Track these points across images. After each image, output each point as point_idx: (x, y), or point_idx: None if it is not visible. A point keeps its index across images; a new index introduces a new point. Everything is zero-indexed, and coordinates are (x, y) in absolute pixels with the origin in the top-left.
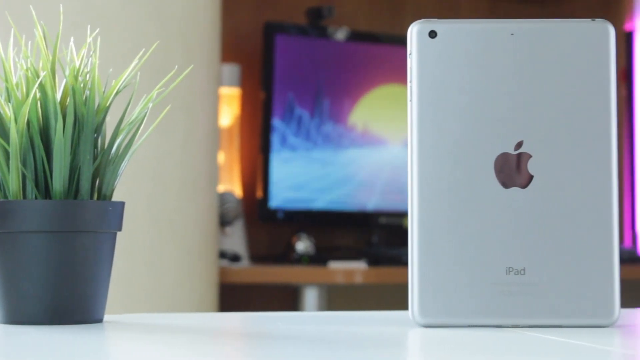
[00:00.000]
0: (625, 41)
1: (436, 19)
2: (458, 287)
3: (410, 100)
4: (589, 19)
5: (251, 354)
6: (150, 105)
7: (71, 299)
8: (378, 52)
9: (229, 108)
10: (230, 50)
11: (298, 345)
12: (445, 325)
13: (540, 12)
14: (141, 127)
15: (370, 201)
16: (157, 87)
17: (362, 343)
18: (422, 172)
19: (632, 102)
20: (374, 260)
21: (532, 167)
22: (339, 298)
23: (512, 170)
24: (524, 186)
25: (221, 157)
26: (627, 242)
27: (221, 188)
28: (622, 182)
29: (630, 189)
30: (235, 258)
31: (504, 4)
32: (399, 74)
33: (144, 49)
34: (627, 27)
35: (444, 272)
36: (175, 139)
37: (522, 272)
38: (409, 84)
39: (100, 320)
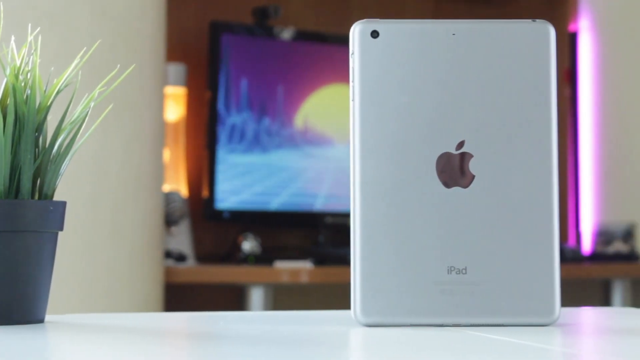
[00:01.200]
0: (569, 42)
1: (378, 19)
2: (400, 287)
3: (353, 100)
4: (530, 20)
5: (194, 354)
6: (92, 104)
7: (12, 299)
8: (324, 51)
9: (175, 107)
10: (176, 49)
11: (240, 345)
12: (387, 325)
13: (485, 12)
14: (83, 126)
15: (317, 201)
16: (99, 86)
17: (304, 343)
18: (364, 171)
19: (576, 102)
20: (320, 260)
21: (473, 167)
22: (284, 298)
23: (454, 170)
24: (466, 186)
25: (167, 156)
26: (572, 242)
27: (167, 187)
28: (566, 181)
29: (575, 188)
30: (180, 258)
31: (449, 4)
32: (345, 74)
33: (85, 48)
34: (571, 28)
35: (386, 271)
36: (120, 138)
37: (464, 271)
38: (351, 83)
39: (41, 321)
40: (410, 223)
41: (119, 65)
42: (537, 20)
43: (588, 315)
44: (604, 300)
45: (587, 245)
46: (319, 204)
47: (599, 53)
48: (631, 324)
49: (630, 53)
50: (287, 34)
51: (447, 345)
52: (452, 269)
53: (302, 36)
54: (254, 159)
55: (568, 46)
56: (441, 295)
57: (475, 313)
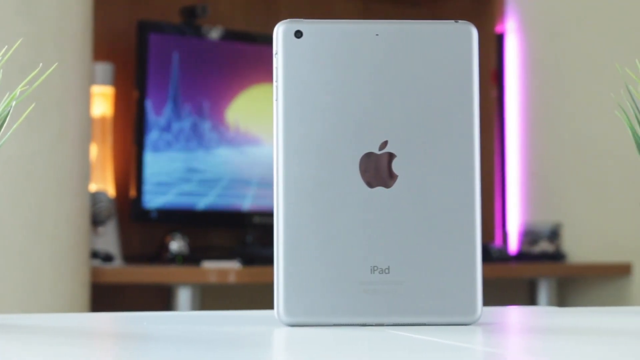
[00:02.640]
0: (496, 43)
1: (302, 19)
2: (323, 286)
3: (276, 100)
4: (453, 21)
5: (114, 354)
6: (14, 103)
7: None
8: (252, 51)
9: (103, 107)
10: (104, 48)
11: (161, 345)
12: (310, 324)
13: (413, 13)
14: (4, 126)
15: (245, 201)
16: (21, 85)
17: (226, 343)
18: (288, 171)
19: (503, 103)
20: (248, 260)
21: (396, 167)
22: (212, 298)
23: (377, 170)
24: (389, 186)
25: (94, 156)
26: (498, 241)
27: (94, 187)
28: (493, 182)
29: (501, 188)
30: (107, 258)
31: (378, 5)
32: None
33: (6, 46)
34: (498, 29)
35: (309, 271)
36: (46, 137)
37: (387, 270)
38: (274, 83)
39: None
40: (334, 223)
41: (41, 64)
42: (459, 21)
43: (512, 314)
44: (530, 299)
45: (513, 245)
46: (247, 204)
47: (526, 54)
48: (554, 322)
49: (555, 54)
50: (215, 33)
51: (369, 344)
52: (375, 268)
53: (231, 36)
54: (182, 158)
55: (495, 47)
56: (364, 295)
57: (398, 312)
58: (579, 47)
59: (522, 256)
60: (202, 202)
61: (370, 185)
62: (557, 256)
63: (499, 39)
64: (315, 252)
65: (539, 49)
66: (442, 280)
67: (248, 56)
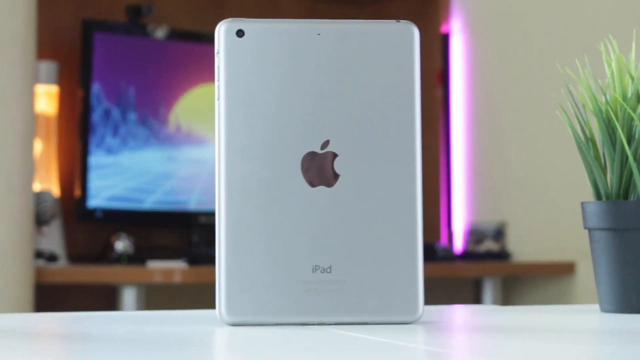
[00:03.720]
0: (441, 43)
1: (244, 19)
2: (265, 286)
3: (218, 99)
4: (394, 20)
5: (52, 354)
6: None
7: None
8: (198, 50)
9: (47, 106)
10: (48, 47)
11: (101, 345)
12: (252, 324)
13: (359, 12)
14: None
15: (191, 200)
16: None
17: (167, 342)
18: (230, 170)
19: (449, 103)
20: (194, 260)
21: (338, 166)
22: (158, 298)
23: (319, 169)
24: (331, 185)
25: (38, 155)
26: (444, 241)
27: (38, 187)
28: (438, 181)
29: (447, 188)
30: (52, 258)
31: (324, 5)
32: None
33: None
34: (443, 29)
35: (251, 270)
36: None
37: (329, 270)
38: (216, 82)
39: None
40: (275, 222)
41: None
42: (401, 20)
43: (454, 313)
44: (475, 298)
45: (458, 244)
46: (193, 204)
47: (471, 54)
48: (497, 321)
49: (500, 54)
50: (160, 32)
51: (311, 344)
52: (317, 267)
53: (176, 35)
54: (127, 158)
55: (440, 47)
56: (306, 294)
57: (340, 312)
58: (523, 47)
59: (467, 255)
60: (148, 202)
61: (312, 184)
62: (502, 255)
63: (444, 39)
64: (257, 252)
65: (484, 49)
66: (384, 280)
67: (194, 55)
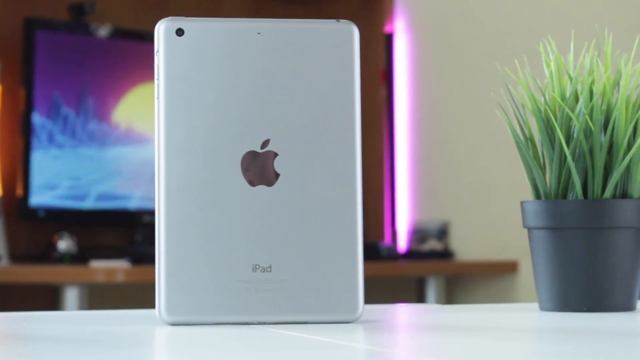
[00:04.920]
0: (385, 43)
1: (184, 17)
2: (205, 285)
3: (157, 98)
4: (334, 20)
5: None
6: None
7: None
8: (141, 49)
9: None
10: None
11: (39, 345)
12: (191, 323)
13: (303, 12)
14: None
15: (134, 200)
16: None
17: (106, 342)
18: (169, 169)
19: (392, 102)
20: (137, 259)
21: (278, 165)
22: (101, 297)
23: (259, 168)
24: (271, 184)
25: None
26: (387, 240)
27: None
28: (382, 180)
29: (391, 187)
30: None
31: (268, 4)
32: None
33: None
34: (387, 29)
35: (191, 270)
36: None
37: (269, 269)
38: (156, 81)
39: None
40: (215, 221)
41: None
42: (341, 20)
43: (396, 312)
44: (419, 297)
45: (402, 243)
46: (136, 203)
47: (414, 54)
48: (437, 320)
49: (443, 54)
50: (103, 31)
51: (251, 343)
52: (257, 267)
53: (119, 34)
54: (70, 157)
55: (384, 47)
56: (246, 294)
57: (280, 311)
58: (466, 47)
59: (411, 254)
60: (91, 201)
61: (252, 183)
62: (445, 254)
63: (388, 39)
64: (197, 251)
65: (427, 49)
66: (324, 279)
67: (137, 54)
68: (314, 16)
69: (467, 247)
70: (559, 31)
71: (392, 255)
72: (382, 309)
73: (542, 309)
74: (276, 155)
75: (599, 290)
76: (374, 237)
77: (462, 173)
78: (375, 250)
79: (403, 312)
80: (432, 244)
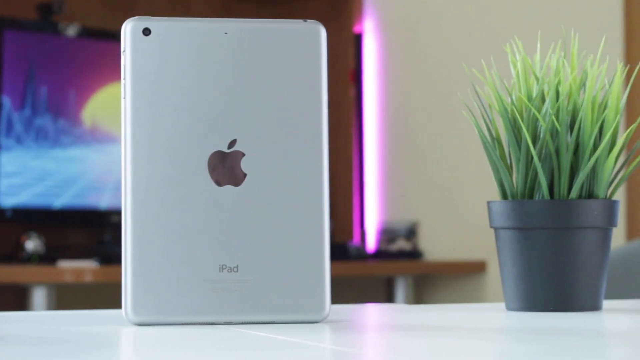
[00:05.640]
0: (354, 43)
1: (151, 17)
2: (171, 285)
3: (124, 98)
4: (301, 20)
5: None
6: None
7: None
8: (110, 48)
9: None
10: None
11: (7, 345)
12: (158, 323)
13: (272, 12)
14: None
15: (102, 200)
16: None
17: (72, 342)
18: (136, 169)
19: (361, 102)
20: (105, 259)
21: (245, 165)
22: (69, 298)
23: (226, 168)
24: (237, 184)
25: None
26: (356, 240)
27: None
28: (351, 181)
29: (360, 187)
30: None
31: (238, 4)
32: None
33: None
34: (356, 29)
35: (157, 270)
36: None
37: (235, 269)
38: (122, 81)
39: None
40: (182, 221)
41: None
42: (308, 20)
43: (364, 312)
44: (388, 297)
45: (371, 243)
46: (105, 203)
47: (383, 54)
48: (404, 320)
49: (412, 54)
50: (72, 30)
51: (217, 343)
52: (224, 267)
53: (88, 33)
54: (39, 157)
55: (353, 47)
56: (213, 294)
57: (247, 311)
58: (435, 48)
59: (379, 254)
60: (59, 201)
61: (219, 183)
62: (414, 254)
63: (357, 39)
64: (163, 251)
65: (396, 49)
66: (290, 279)
67: (105, 54)
68: (283, 16)
69: (436, 247)
70: (525, 32)
71: (361, 255)
72: (350, 309)
73: (509, 308)
74: (243, 155)
75: (565, 290)
76: (343, 237)
77: (431, 173)
78: (344, 250)
79: (370, 312)
80: (401, 244)
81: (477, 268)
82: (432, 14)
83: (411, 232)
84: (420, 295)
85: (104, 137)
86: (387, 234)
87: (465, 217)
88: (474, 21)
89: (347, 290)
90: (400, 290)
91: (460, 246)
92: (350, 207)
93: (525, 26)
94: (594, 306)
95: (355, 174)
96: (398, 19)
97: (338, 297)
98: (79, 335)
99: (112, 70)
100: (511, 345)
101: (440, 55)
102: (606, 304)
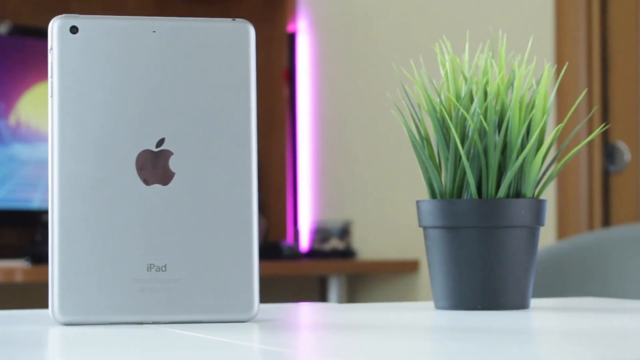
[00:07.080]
0: (288, 42)
1: (78, 15)
2: (99, 285)
3: (51, 96)
4: (230, 19)
5: None
6: None
7: None
8: (42, 46)
9: None
10: None
11: None
12: (85, 323)
13: (206, 11)
14: None
15: (34, 199)
16: None
17: None
18: (63, 168)
19: (295, 101)
20: (37, 259)
21: (173, 164)
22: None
23: (154, 167)
24: (166, 183)
25: None
26: (290, 239)
27: None
28: (285, 180)
29: (293, 187)
30: None
31: (172, 3)
32: None
33: None
34: (290, 28)
35: (85, 269)
36: None
37: (164, 268)
38: (49, 79)
39: None
40: (110, 221)
41: None
42: (237, 19)
43: (293, 311)
44: (321, 296)
45: (304, 242)
46: (36, 202)
47: (317, 53)
48: (334, 319)
49: (345, 54)
50: (3, 28)
51: (144, 343)
52: (152, 266)
53: (19, 30)
54: None
55: (287, 47)
56: (141, 293)
57: (175, 310)
58: (366, 47)
59: (313, 253)
60: None
61: (147, 182)
62: (347, 253)
63: (291, 39)
64: (91, 250)
65: (330, 48)
66: (219, 278)
67: (37, 52)
68: (217, 15)
69: (369, 246)
70: (454, 32)
71: (294, 254)
72: (280, 308)
73: (438, 307)
74: (171, 154)
75: (492, 289)
76: (276, 236)
77: (364, 172)
78: (278, 249)
79: (301, 311)
80: (334, 243)
81: (410, 267)
82: (364, 14)
83: (344, 232)
84: (353, 294)
85: (36, 136)
86: (321, 233)
87: (398, 216)
88: (405, 21)
89: (280, 289)
90: (334, 289)
91: (394, 245)
92: (284, 206)
93: (455, 26)
94: (522, 304)
95: (288, 173)
96: (331, 18)
97: (271, 296)
98: (3, 336)
99: (43, 69)
100: (439, 343)
101: (373, 55)
102: (534, 302)
